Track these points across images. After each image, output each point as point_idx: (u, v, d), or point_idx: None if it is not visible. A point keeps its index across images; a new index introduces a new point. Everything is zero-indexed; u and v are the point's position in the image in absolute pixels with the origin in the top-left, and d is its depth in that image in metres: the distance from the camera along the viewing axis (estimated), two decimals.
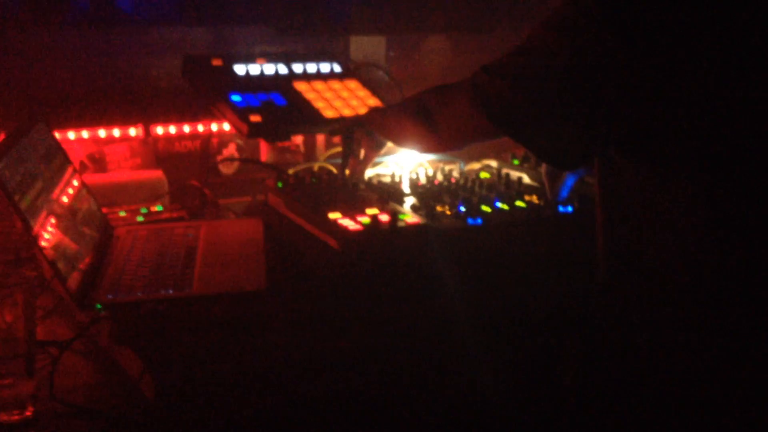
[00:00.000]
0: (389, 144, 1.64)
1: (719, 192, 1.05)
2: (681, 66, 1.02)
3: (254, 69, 1.84)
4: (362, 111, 1.77)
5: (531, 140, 1.18)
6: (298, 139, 2.11)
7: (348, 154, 1.63)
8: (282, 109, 1.73)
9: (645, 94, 1.05)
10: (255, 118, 1.64)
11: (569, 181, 1.50)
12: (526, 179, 1.70)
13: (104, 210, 1.61)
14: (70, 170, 1.50)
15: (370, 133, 1.57)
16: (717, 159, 1.04)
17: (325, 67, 1.91)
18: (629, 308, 1.18)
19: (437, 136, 1.38)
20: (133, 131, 1.96)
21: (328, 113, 1.74)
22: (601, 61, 1.06)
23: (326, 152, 2.02)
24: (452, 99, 1.31)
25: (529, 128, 1.17)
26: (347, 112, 1.75)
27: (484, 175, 1.75)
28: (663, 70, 1.03)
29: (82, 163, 1.90)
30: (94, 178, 1.85)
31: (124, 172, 1.94)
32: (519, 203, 1.54)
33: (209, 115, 1.94)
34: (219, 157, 2.06)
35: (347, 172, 1.66)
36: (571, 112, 1.11)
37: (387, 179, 1.68)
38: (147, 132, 1.98)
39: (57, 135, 1.55)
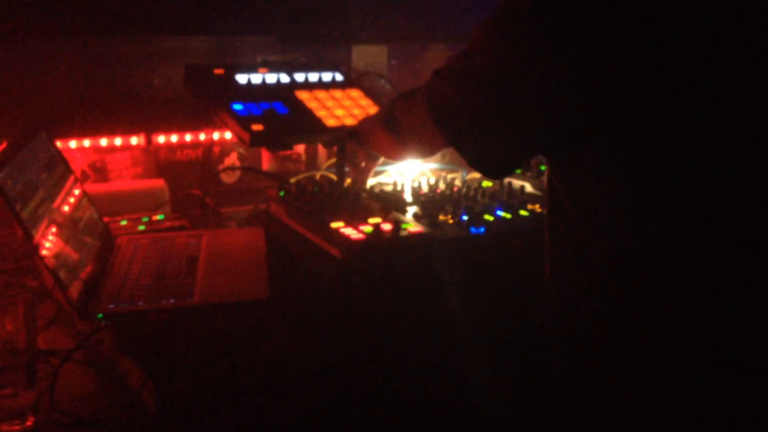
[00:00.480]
0: None
1: (650, 192, 1.04)
2: (612, 71, 1.00)
3: (256, 78, 1.83)
4: None
5: (464, 144, 1.16)
6: (300, 148, 2.11)
7: (342, 164, 1.63)
8: (284, 118, 1.72)
9: (575, 99, 1.03)
10: (257, 126, 1.64)
11: None
12: (529, 188, 1.70)
13: (106, 219, 1.61)
14: (71, 179, 1.50)
15: (361, 144, 1.57)
16: (650, 162, 1.03)
17: (327, 76, 1.91)
18: (572, 300, 1.17)
19: (404, 144, 1.38)
20: (134, 140, 1.96)
21: (330, 122, 1.74)
22: (531, 66, 1.04)
23: (328, 161, 2.02)
24: (413, 103, 1.30)
25: (465, 131, 1.15)
26: (349, 121, 1.74)
27: (486, 183, 1.74)
28: (593, 75, 1.01)
29: (83, 172, 1.89)
30: (95, 187, 1.84)
31: (125, 181, 1.94)
32: (522, 212, 1.54)
33: (211, 123, 1.93)
34: (220, 166, 2.06)
35: (348, 180, 1.66)
36: (506, 115, 1.10)
37: (389, 188, 1.68)
38: (149, 141, 1.97)
39: (58, 144, 1.55)
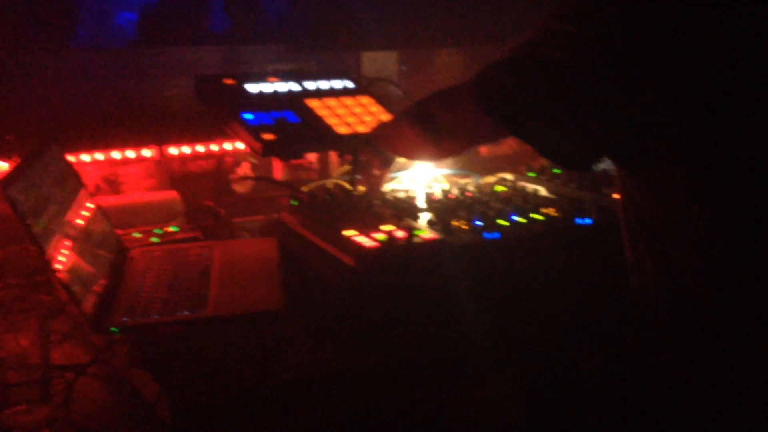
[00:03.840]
0: (400, 159, 1.63)
1: (721, 191, 1.04)
2: (695, 67, 1.01)
3: (266, 87, 1.83)
4: None
5: (534, 136, 1.14)
6: (312, 156, 2.11)
7: (355, 172, 1.62)
8: (295, 127, 1.72)
9: (657, 94, 1.03)
10: (268, 136, 1.64)
11: None
12: (543, 191, 1.69)
13: (119, 231, 1.61)
14: (83, 193, 1.50)
15: (377, 149, 1.56)
16: (720, 161, 1.03)
17: (337, 84, 1.90)
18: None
19: (439, 141, 1.35)
20: (147, 152, 1.96)
21: (341, 130, 1.73)
22: (619, 58, 1.03)
23: (340, 169, 2.01)
24: (455, 99, 1.28)
25: (532, 123, 1.13)
26: (360, 129, 1.74)
27: (499, 188, 1.73)
28: (678, 70, 1.01)
29: (97, 185, 1.90)
30: (109, 200, 1.85)
31: (138, 194, 1.94)
32: (536, 216, 1.52)
33: (222, 134, 1.93)
34: (233, 176, 2.06)
35: (362, 188, 1.65)
36: (579, 107, 1.08)
37: (402, 195, 1.67)
38: (161, 153, 1.98)
39: (71, 158, 1.56)
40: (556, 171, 1.75)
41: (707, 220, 1.05)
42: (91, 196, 1.53)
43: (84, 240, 1.39)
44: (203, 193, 1.96)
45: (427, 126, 1.36)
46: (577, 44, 1.06)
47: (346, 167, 1.91)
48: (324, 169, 2.10)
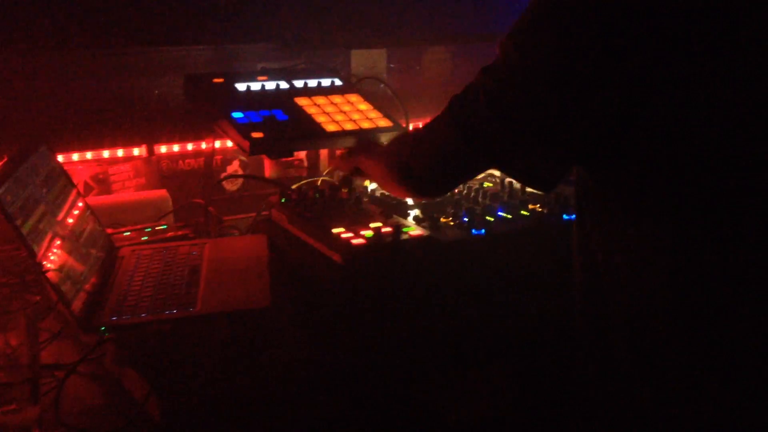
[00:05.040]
0: None
1: (689, 209, 1.04)
2: (663, 86, 1.00)
3: (255, 86, 1.84)
4: (365, 125, 1.77)
5: (509, 163, 1.14)
6: (302, 154, 2.11)
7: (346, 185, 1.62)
8: (284, 125, 1.73)
9: (621, 111, 1.03)
10: (257, 134, 1.64)
11: None
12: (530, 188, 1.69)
13: (109, 230, 1.62)
14: (73, 192, 1.50)
15: (358, 172, 1.54)
16: (691, 176, 1.03)
17: (326, 82, 1.91)
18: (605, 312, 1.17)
19: (417, 183, 1.31)
20: (136, 151, 1.96)
21: (330, 127, 1.74)
22: (580, 78, 1.03)
23: (329, 167, 2.02)
24: (429, 134, 1.25)
25: (507, 149, 1.12)
26: (349, 126, 1.74)
27: (487, 184, 1.74)
28: (643, 88, 1.01)
29: (86, 184, 1.90)
30: (98, 199, 1.85)
31: (128, 192, 1.95)
32: (523, 212, 1.53)
33: (212, 132, 1.94)
34: (222, 175, 2.06)
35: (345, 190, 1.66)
36: (548, 129, 1.08)
37: None
38: (150, 151, 1.98)
39: (61, 157, 1.56)
40: None
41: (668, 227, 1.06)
42: (81, 195, 1.54)
43: (73, 239, 1.40)
44: (193, 191, 1.96)
45: (406, 176, 1.31)
46: (537, 57, 1.06)
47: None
48: (314, 167, 2.11)
